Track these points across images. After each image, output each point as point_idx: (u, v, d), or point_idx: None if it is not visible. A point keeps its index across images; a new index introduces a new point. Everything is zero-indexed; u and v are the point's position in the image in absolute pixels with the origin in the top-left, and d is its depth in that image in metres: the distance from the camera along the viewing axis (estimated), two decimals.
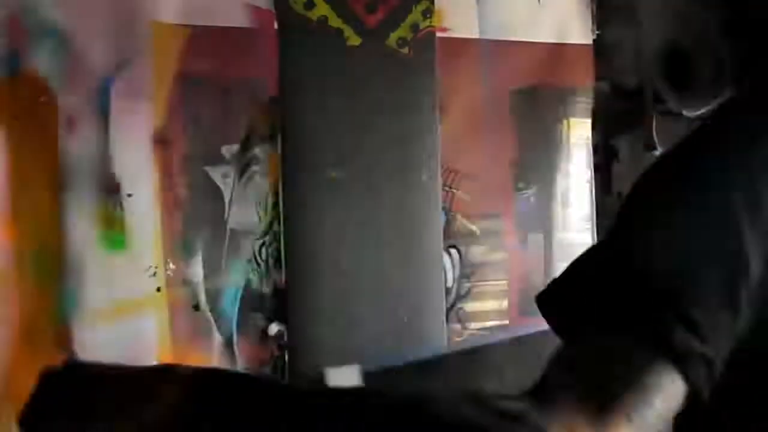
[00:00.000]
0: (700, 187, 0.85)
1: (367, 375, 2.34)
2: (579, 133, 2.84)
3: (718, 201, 0.83)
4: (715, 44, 1.08)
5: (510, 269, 2.70)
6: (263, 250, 2.37)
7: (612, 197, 4.20)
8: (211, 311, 2.28)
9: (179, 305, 2.24)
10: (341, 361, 2.34)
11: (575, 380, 0.79)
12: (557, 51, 2.83)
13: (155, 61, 2.22)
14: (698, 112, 1.18)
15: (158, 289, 2.22)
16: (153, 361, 2.19)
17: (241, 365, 2.32)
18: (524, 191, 2.73)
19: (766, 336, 0.83)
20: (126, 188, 2.19)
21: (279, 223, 2.36)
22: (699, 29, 1.10)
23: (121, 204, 2.18)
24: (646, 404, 0.77)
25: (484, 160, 2.68)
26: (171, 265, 2.23)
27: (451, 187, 2.61)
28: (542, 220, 2.76)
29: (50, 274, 2.07)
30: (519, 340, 2.61)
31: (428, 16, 2.54)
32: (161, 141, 2.24)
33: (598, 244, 0.93)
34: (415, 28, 2.52)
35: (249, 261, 2.35)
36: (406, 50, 2.50)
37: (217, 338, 2.30)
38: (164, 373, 0.90)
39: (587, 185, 2.85)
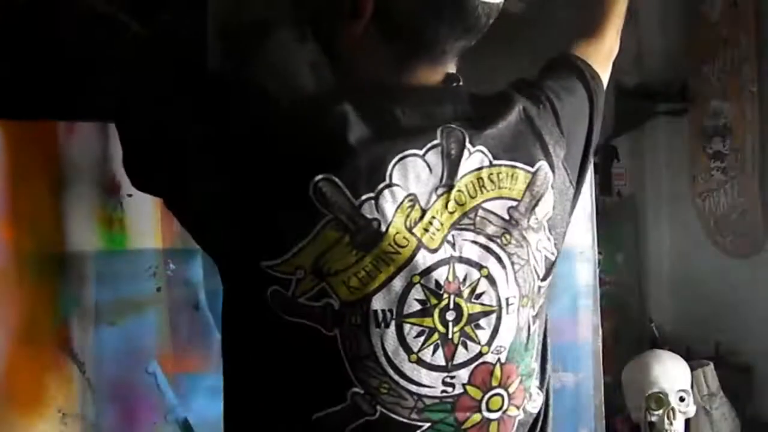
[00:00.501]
0: None
1: None
2: None
3: None
4: None
5: None
6: None
7: (612, 197, 4.21)
8: (211, 311, 2.28)
9: (179, 305, 2.24)
10: None
11: None
12: None
13: None
14: None
15: (158, 289, 2.22)
16: (153, 361, 2.19)
17: None
18: None
19: None
20: (126, 188, 2.19)
21: None
22: None
23: (121, 204, 2.18)
24: None
25: None
26: (171, 265, 2.23)
27: None
28: None
29: (50, 274, 2.07)
30: None
31: None
32: None
33: None
34: None
35: None
36: None
37: (217, 338, 2.29)
38: None
39: (587, 185, 2.84)
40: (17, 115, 2.05)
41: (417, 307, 1.34)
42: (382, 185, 1.31)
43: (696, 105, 3.86)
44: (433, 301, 1.35)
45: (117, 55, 1.81)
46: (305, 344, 1.36)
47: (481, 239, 1.38)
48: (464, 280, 1.36)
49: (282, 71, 1.84)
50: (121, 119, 1.62)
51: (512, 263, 1.40)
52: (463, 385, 1.38)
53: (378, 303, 1.31)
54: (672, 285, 4.19)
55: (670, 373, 3.19)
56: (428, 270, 1.33)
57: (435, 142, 1.36)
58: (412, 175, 1.33)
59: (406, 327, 1.33)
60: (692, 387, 3.24)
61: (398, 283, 1.32)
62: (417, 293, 1.33)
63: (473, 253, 1.37)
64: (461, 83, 1.55)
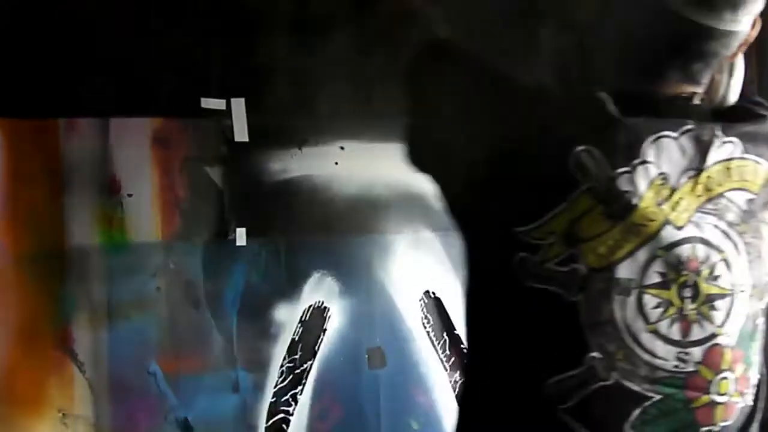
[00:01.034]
0: None
1: None
2: None
3: None
4: None
5: None
6: (262, 251, 2.38)
7: None
8: (211, 311, 2.28)
9: (179, 305, 2.24)
10: None
11: None
12: None
13: None
14: None
15: (158, 289, 2.22)
16: (153, 362, 2.19)
17: (241, 365, 2.32)
18: None
19: None
20: (126, 188, 2.19)
21: None
22: None
23: (121, 204, 2.18)
24: None
25: None
26: (171, 265, 2.24)
27: None
28: None
29: (50, 274, 2.07)
30: None
31: None
32: (161, 141, 2.25)
33: None
34: None
35: (248, 262, 2.35)
36: None
37: (217, 338, 2.30)
38: None
39: None
40: (18, 113, 2.06)
41: (657, 279, 1.40)
42: (637, 161, 1.38)
43: None
44: (673, 275, 1.41)
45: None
46: (546, 310, 1.41)
47: (722, 225, 1.45)
48: (704, 260, 1.42)
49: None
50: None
51: (747, 252, 1.47)
52: (696, 363, 1.42)
53: (622, 271, 1.38)
54: None
55: None
56: (672, 245, 1.40)
57: (689, 126, 1.43)
58: (665, 155, 1.41)
59: (646, 297, 1.39)
60: None
61: (642, 255, 1.39)
62: (659, 266, 1.39)
63: (714, 236, 1.43)
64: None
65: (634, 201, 1.38)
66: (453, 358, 2.59)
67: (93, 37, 2.22)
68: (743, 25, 1.50)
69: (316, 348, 2.46)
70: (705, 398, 1.43)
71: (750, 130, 1.51)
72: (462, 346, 2.59)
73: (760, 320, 1.54)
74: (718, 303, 1.44)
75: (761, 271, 1.50)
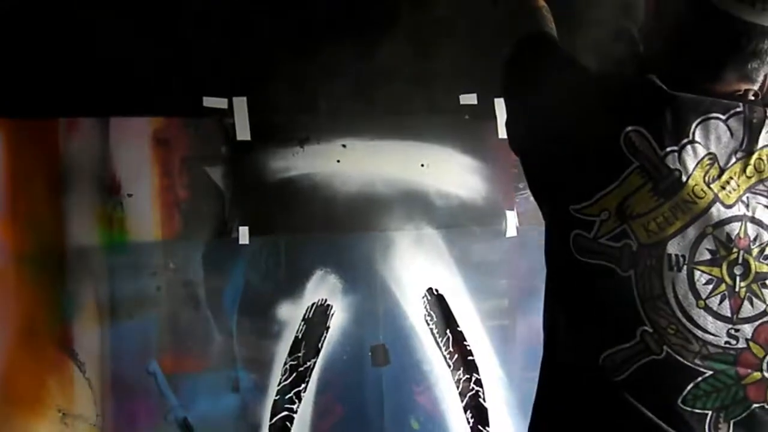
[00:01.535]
0: None
1: None
2: None
3: None
4: None
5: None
6: (264, 249, 2.38)
7: None
8: (211, 311, 2.28)
9: (179, 305, 2.24)
10: None
11: None
12: None
13: None
14: None
15: (158, 289, 2.22)
16: (153, 361, 2.20)
17: (241, 365, 2.33)
18: (524, 191, 2.72)
19: None
20: (126, 188, 2.19)
21: None
22: None
23: (121, 204, 2.19)
24: None
25: None
26: (171, 265, 2.24)
27: None
28: (542, 220, 2.75)
29: (50, 274, 2.08)
30: None
31: None
32: (161, 141, 2.25)
33: None
34: None
35: (249, 261, 2.35)
36: None
37: (217, 338, 2.30)
38: None
39: None
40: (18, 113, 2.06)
41: (707, 256, 1.43)
42: (685, 140, 1.43)
43: None
44: (723, 252, 1.44)
45: None
46: (601, 284, 1.47)
47: None
48: (755, 239, 1.45)
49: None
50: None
51: None
52: (747, 340, 1.45)
53: (673, 247, 1.43)
54: None
55: None
56: (721, 223, 1.43)
57: (738, 110, 1.46)
58: (714, 136, 1.45)
59: (697, 273, 1.43)
60: None
61: (692, 232, 1.43)
62: (708, 243, 1.43)
63: (765, 216, 1.47)
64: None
65: (683, 179, 1.43)
66: (456, 355, 2.59)
67: (93, 37, 2.22)
68: None
69: (320, 345, 2.46)
70: (756, 375, 1.45)
71: None
72: (465, 342, 2.59)
73: None
74: None
75: None
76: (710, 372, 1.43)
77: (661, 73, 1.49)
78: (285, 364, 2.40)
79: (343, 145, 2.50)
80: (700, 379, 1.43)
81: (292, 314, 2.42)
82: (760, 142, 1.47)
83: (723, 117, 1.46)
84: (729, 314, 1.44)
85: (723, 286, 1.45)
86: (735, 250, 1.44)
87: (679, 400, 1.42)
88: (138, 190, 2.22)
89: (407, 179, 2.55)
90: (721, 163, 1.45)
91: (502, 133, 2.64)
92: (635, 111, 1.46)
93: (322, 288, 2.48)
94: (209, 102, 2.34)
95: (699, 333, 1.43)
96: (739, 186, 1.46)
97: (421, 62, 2.55)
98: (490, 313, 2.64)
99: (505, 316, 2.67)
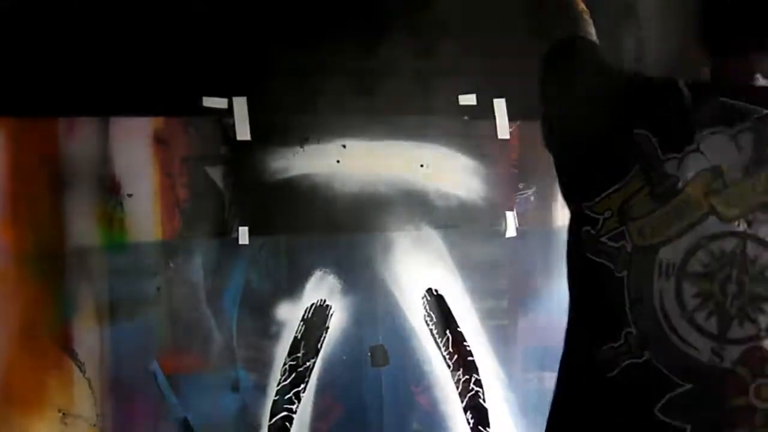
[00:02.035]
0: None
1: None
2: None
3: None
4: None
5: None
6: (263, 249, 2.38)
7: None
8: (211, 311, 2.28)
9: (179, 305, 2.24)
10: None
11: None
12: None
13: None
14: None
15: (158, 289, 2.22)
16: (153, 361, 2.20)
17: (241, 365, 2.32)
18: (524, 191, 2.73)
19: None
20: (126, 188, 2.19)
21: None
22: None
23: (121, 204, 2.19)
24: None
25: None
26: (171, 265, 2.24)
27: None
28: (542, 220, 2.76)
29: (50, 274, 2.08)
30: None
31: None
32: (161, 141, 2.25)
33: None
34: None
35: (249, 261, 2.35)
36: None
37: (217, 338, 2.30)
38: None
39: None
40: (18, 113, 2.06)
41: (699, 268, 1.42)
42: (689, 149, 1.44)
43: None
44: (715, 267, 1.42)
45: None
46: (601, 282, 1.49)
47: None
48: (754, 259, 1.41)
49: None
50: None
51: None
52: (733, 362, 1.41)
53: (664, 254, 1.43)
54: None
55: None
56: (715, 237, 1.42)
57: (748, 125, 1.45)
58: (721, 149, 1.44)
59: (686, 284, 1.42)
60: None
61: (685, 241, 1.42)
62: (702, 256, 1.42)
63: None
64: None
65: (679, 186, 1.43)
66: (455, 356, 2.59)
67: (93, 37, 2.22)
68: None
69: (319, 346, 2.46)
70: (741, 400, 1.42)
71: None
72: (465, 343, 2.59)
73: None
74: (766, 306, 1.42)
75: None
76: (689, 386, 1.41)
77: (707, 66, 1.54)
78: (284, 364, 2.40)
79: (343, 145, 2.50)
80: (679, 390, 1.41)
81: (291, 314, 2.42)
82: None
83: (732, 131, 1.45)
84: (715, 332, 1.42)
85: (712, 302, 1.42)
86: (728, 267, 1.42)
87: (657, 408, 1.42)
88: (138, 190, 2.22)
89: (407, 179, 2.55)
90: (728, 178, 1.44)
91: (502, 134, 2.64)
92: (647, 113, 1.48)
93: (322, 288, 2.48)
94: (209, 102, 2.34)
95: (681, 345, 1.41)
96: (742, 202, 1.44)
97: (421, 62, 2.55)
98: (490, 313, 2.64)
99: (504, 316, 2.67)
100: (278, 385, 2.39)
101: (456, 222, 2.60)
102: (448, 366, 2.58)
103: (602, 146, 1.50)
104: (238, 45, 2.38)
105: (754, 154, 1.45)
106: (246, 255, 2.36)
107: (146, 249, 2.21)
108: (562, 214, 2.79)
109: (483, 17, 2.56)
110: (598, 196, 1.49)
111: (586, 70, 1.67)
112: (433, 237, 2.58)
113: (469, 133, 2.62)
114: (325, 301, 2.48)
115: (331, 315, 2.48)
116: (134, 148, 2.23)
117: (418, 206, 2.56)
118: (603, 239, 1.48)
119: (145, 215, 2.21)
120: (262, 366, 2.37)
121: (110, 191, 2.18)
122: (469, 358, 2.58)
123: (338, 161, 2.49)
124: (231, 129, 2.36)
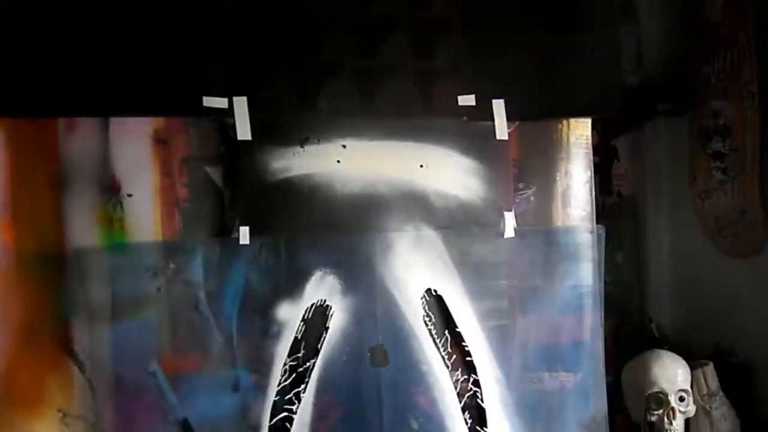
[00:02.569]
0: None
1: None
2: (579, 133, 2.84)
3: None
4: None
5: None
6: (263, 249, 2.38)
7: (612, 197, 4.21)
8: (211, 311, 2.29)
9: (179, 305, 2.24)
10: None
11: None
12: None
13: None
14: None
15: (158, 289, 2.22)
16: (153, 361, 2.20)
17: (241, 365, 2.33)
18: (523, 192, 2.73)
19: None
20: (126, 188, 2.20)
21: None
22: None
23: (121, 204, 2.19)
24: None
25: None
26: (171, 265, 2.24)
27: None
28: (542, 220, 2.76)
29: (50, 274, 2.08)
30: None
31: None
32: (161, 141, 2.25)
33: None
34: None
35: (249, 261, 2.36)
36: None
37: (217, 338, 2.31)
38: None
39: (587, 185, 2.85)
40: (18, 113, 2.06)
41: None
42: None
43: (696, 105, 3.85)
44: None
45: None
46: None
47: None
48: None
49: None
50: None
51: None
52: None
53: None
54: (672, 285, 4.18)
55: (670, 373, 3.18)
56: None
57: None
58: None
59: None
60: (692, 387, 3.23)
61: None
62: None
63: None
64: None
65: None
66: (454, 356, 2.59)
67: (93, 37, 2.22)
68: None
69: (319, 346, 2.46)
70: None
71: None
72: (463, 343, 2.59)
73: None
74: None
75: None
76: None
77: None
78: (285, 364, 2.41)
79: (343, 146, 2.50)
80: None
81: (291, 315, 2.43)
82: None
83: None
84: None
85: None
86: None
87: None
88: (138, 190, 2.22)
89: (407, 180, 2.55)
90: None
91: (501, 134, 2.64)
92: None
93: (322, 288, 2.48)
94: (209, 102, 2.34)
95: None
96: None
97: (421, 62, 2.55)
98: (489, 313, 2.64)
99: (503, 316, 2.68)
100: (278, 386, 2.40)
101: (455, 222, 2.60)
102: (447, 366, 2.58)
103: None
104: (238, 45, 2.38)
105: None
106: (246, 255, 2.36)
107: (146, 249, 2.22)
108: (561, 214, 2.79)
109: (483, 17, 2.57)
110: None
111: None
112: (432, 237, 2.58)
113: (469, 133, 2.62)
114: (325, 301, 2.48)
115: (331, 315, 2.48)
116: (134, 148, 2.23)
117: (418, 207, 2.56)
118: None
119: (145, 215, 2.21)
120: (262, 366, 2.37)
121: (110, 191, 2.18)
122: (468, 359, 2.59)
123: (338, 161, 2.49)
124: (231, 129, 2.37)
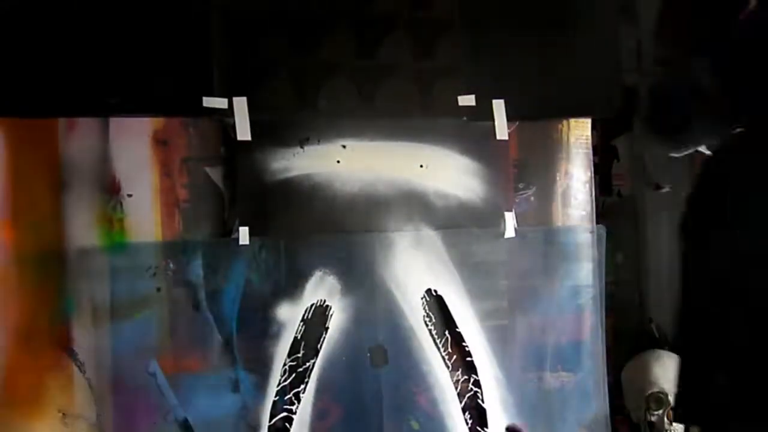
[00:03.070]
0: None
1: None
2: (579, 133, 2.84)
3: None
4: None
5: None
6: (263, 250, 2.38)
7: (612, 197, 4.20)
8: (211, 311, 2.29)
9: (179, 305, 2.24)
10: None
11: None
12: None
13: None
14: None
15: (158, 289, 2.22)
16: (153, 361, 2.20)
17: (240, 365, 2.33)
18: (523, 192, 2.73)
19: None
20: (126, 188, 2.20)
21: None
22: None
23: (121, 204, 2.19)
24: None
25: None
26: (171, 265, 2.24)
27: None
28: (542, 220, 2.76)
29: (50, 274, 2.08)
30: None
31: None
32: (161, 141, 2.25)
33: None
34: None
35: (249, 261, 2.35)
36: None
37: (217, 338, 2.31)
38: None
39: (587, 185, 2.85)
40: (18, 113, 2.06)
41: None
42: None
43: None
44: None
45: None
46: None
47: None
48: None
49: None
50: None
51: None
52: None
53: None
54: (672, 285, 4.18)
55: (670, 373, 3.19)
56: None
57: None
58: None
59: None
60: None
61: None
62: None
63: None
64: None
65: None
66: (454, 356, 2.59)
67: (94, 37, 2.22)
68: None
69: (319, 346, 2.46)
70: None
71: None
72: (464, 344, 2.59)
73: None
74: None
75: None
76: None
77: None
78: (284, 364, 2.40)
79: (343, 146, 2.50)
80: None
81: (291, 315, 2.42)
82: None
83: None
84: None
85: None
86: None
87: None
88: (138, 190, 2.22)
89: (406, 180, 2.55)
90: None
91: (501, 135, 2.64)
92: None
93: (322, 289, 2.48)
94: (209, 102, 2.34)
95: None
96: None
97: (421, 62, 2.55)
98: (489, 313, 2.64)
99: (503, 316, 2.68)
100: (278, 386, 2.39)
101: (455, 222, 2.60)
102: (447, 366, 2.58)
103: None
104: (238, 45, 2.38)
105: None
106: (246, 255, 2.36)
107: (146, 249, 2.22)
108: (561, 214, 2.79)
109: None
110: None
111: None
112: (432, 237, 2.58)
113: (469, 134, 2.62)
114: (324, 301, 2.48)
115: (331, 315, 2.48)
116: (134, 148, 2.23)
117: (418, 206, 2.56)
118: None
119: (145, 215, 2.21)
120: (262, 366, 2.37)
121: (110, 191, 2.18)
122: (468, 359, 2.58)
123: (338, 161, 2.49)
124: (231, 129, 2.37)
